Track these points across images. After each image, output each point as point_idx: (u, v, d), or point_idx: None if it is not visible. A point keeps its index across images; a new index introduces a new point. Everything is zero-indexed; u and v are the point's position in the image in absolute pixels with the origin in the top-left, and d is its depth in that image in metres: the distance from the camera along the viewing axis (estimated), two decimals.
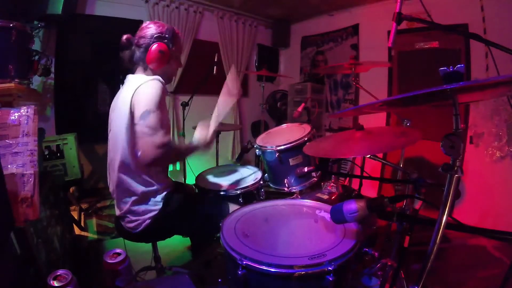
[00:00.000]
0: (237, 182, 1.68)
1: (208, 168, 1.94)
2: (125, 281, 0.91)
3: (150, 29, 1.30)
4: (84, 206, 2.81)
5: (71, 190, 2.70)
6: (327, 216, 1.05)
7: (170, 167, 3.62)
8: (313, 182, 1.66)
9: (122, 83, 1.37)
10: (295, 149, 1.58)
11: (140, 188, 1.26)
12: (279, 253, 0.88)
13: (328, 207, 1.12)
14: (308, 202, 1.26)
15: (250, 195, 1.60)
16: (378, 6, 3.36)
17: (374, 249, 1.13)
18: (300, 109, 2.12)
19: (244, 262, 0.84)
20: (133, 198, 1.27)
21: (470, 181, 2.70)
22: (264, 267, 0.82)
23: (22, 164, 1.20)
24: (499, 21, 2.45)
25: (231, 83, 1.44)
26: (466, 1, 2.64)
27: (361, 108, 1.16)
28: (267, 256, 0.85)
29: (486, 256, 2.17)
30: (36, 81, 2.59)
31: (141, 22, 3.55)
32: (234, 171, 1.87)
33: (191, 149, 1.30)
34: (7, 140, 1.23)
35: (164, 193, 1.33)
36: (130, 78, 1.33)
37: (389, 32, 1.22)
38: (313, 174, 1.62)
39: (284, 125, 1.99)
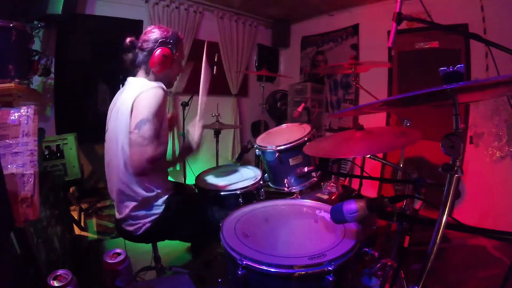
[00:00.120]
0: (237, 182, 1.68)
1: (208, 168, 1.94)
2: (125, 281, 0.91)
3: (154, 33, 1.30)
4: (84, 206, 2.81)
5: (71, 190, 2.70)
6: (327, 216, 1.05)
7: (170, 168, 3.62)
8: (313, 182, 1.66)
9: (122, 83, 1.37)
10: (295, 149, 1.58)
11: (140, 192, 1.26)
12: (279, 253, 0.88)
13: (328, 207, 1.12)
14: (308, 202, 1.26)
15: (250, 195, 1.60)
16: (378, 6, 3.36)
17: (374, 249, 1.13)
18: (300, 109, 2.12)
19: (244, 262, 0.84)
20: (134, 202, 1.26)
21: (470, 181, 2.70)
22: (264, 267, 0.82)
23: (22, 164, 1.20)
24: (499, 21, 2.45)
25: (203, 82, 1.42)
26: (466, 1, 2.64)
27: (361, 108, 1.16)
28: (267, 256, 0.85)
29: (486, 256, 2.17)
30: (36, 81, 2.59)
31: (141, 22, 3.56)
32: (234, 171, 1.87)
33: (179, 159, 1.31)
34: (7, 140, 1.23)
35: (165, 197, 1.33)
36: (131, 80, 1.33)
37: (389, 32, 1.22)
38: (313, 174, 1.62)
39: (284, 125, 1.99)
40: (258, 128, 4.12)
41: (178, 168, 3.68)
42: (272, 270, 0.81)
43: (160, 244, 1.49)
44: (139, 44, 1.31)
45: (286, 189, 1.66)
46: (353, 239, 0.92)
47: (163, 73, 1.33)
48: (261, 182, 1.68)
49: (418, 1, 1.45)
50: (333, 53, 4.01)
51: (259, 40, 4.48)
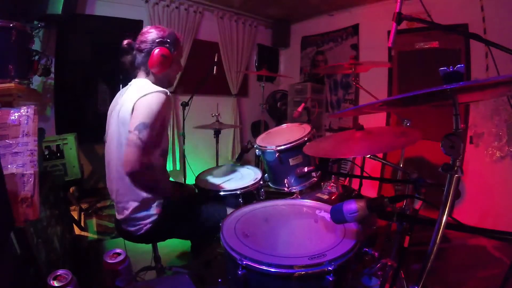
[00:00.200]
0: (237, 182, 1.68)
1: (208, 168, 1.94)
2: (125, 281, 0.91)
3: (151, 33, 1.29)
4: (84, 206, 2.81)
5: (71, 190, 2.70)
6: (327, 216, 1.05)
7: (170, 167, 3.62)
8: (313, 182, 1.66)
9: (122, 83, 1.37)
10: (295, 149, 1.58)
11: (141, 194, 1.25)
12: (279, 253, 0.88)
13: (328, 207, 1.12)
14: (308, 202, 1.26)
15: (250, 195, 1.60)
16: (378, 6, 3.36)
17: (374, 249, 1.13)
18: (300, 109, 2.12)
19: (244, 262, 0.84)
20: (134, 204, 1.26)
21: (470, 181, 2.70)
22: (264, 267, 0.82)
23: (22, 164, 1.20)
24: (499, 21, 2.45)
25: None
26: (466, 1, 2.64)
27: (361, 108, 1.16)
28: (267, 256, 0.85)
29: (486, 256, 2.17)
30: (36, 81, 2.59)
31: (141, 22, 3.56)
32: (234, 171, 1.87)
33: (164, 192, 1.30)
34: (7, 140, 1.23)
35: (165, 196, 1.33)
36: (134, 82, 1.33)
37: (389, 32, 1.22)
38: (313, 174, 1.62)
39: (284, 125, 1.99)
40: (258, 128, 4.12)
41: (178, 168, 3.68)
42: (272, 270, 0.81)
43: (160, 244, 1.49)
44: (137, 46, 1.31)
45: (286, 189, 1.66)
46: (353, 239, 0.92)
47: (162, 73, 1.33)
48: (261, 182, 1.68)
49: (418, 1, 1.45)
50: (333, 53, 4.01)
51: (259, 40, 4.48)
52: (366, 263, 1.30)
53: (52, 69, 2.63)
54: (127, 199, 1.26)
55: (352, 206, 0.86)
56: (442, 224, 0.74)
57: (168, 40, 1.30)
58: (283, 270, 0.81)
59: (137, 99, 1.18)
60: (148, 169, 1.15)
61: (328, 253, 0.85)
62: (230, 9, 3.98)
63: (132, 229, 1.30)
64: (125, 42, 1.32)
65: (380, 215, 0.91)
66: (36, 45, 2.48)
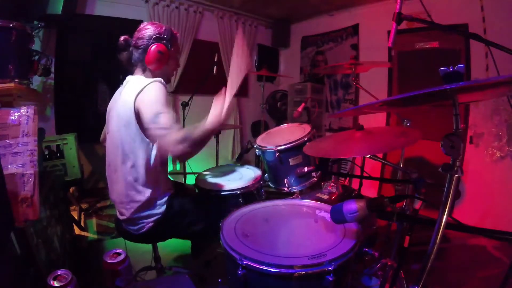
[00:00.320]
0: (237, 182, 1.68)
1: (208, 168, 1.94)
2: (125, 281, 0.91)
3: (148, 30, 1.29)
4: (84, 206, 2.81)
5: (71, 190, 2.70)
6: (327, 216, 1.05)
7: (170, 167, 3.62)
8: (313, 182, 1.66)
9: (122, 83, 1.37)
10: (295, 149, 1.57)
11: (143, 193, 1.25)
12: (279, 253, 0.88)
13: (328, 207, 1.12)
14: (308, 202, 1.26)
15: (250, 195, 1.60)
16: (378, 6, 3.36)
17: (374, 249, 1.13)
18: (300, 109, 2.12)
19: (244, 262, 0.84)
20: (136, 204, 1.26)
21: (470, 181, 2.70)
22: (264, 267, 0.82)
23: (22, 164, 1.20)
24: (499, 21, 2.45)
25: (238, 52, 1.33)
26: (466, 1, 2.64)
27: (361, 108, 1.15)
28: (267, 256, 0.85)
29: (486, 256, 2.17)
30: (36, 81, 2.59)
31: (141, 22, 3.56)
32: (234, 171, 1.87)
33: (209, 131, 1.19)
34: (7, 140, 1.23)
35: (166, 196, 1.32)
36: (129, 79, 1.33)
37: (389, 32, 1.22)
38: (313, 174, 1.62)
39: (284, 125, 1.99)
40: (258, 128, 4.12)
41: (178, 168, 3.68)
42: (272, 270, 0.81)
43: (160, 244, 1.49)
44: (134, 42, 1.30)
45: (286, 189, 1.66)
46: (353, 239, 0.92)
47: (160, 69, 1.32)
48: (261, 182, 1.68)
49: (418, 1, 1.45)
50: (333, 53, 4.01)
51: (259, 40, 4.48)
52: (366, 263, 1.30)
53: (52, 69, 2.63)
54: (130, 199, 1.26)
55: (352, 206, 0.86)
56: (442, 224, 0.74)
57: (165, 36, 1.30)
58: (283, 270, 0.81)
59: (134, 98, 1.17)
60: (186, 141, 1.11)
61: (328, 253, 0.85)
62: (230, 9, 3.98)
63: (134, 228, 1.30)
64: (122, 38, 1.32)
65: (380, 215, 0.91)
66: (36, 45, 2.48)
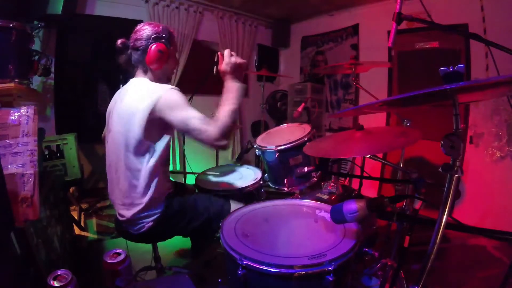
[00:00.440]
0: (237, 182, 1.68)
1: (208, 168, 1.94)
2: (125, 281, 0.91)
3: (145, 30, 1.28)
4: (84, 206, 2.81)
5: (71, 190, 2.70)
6: (327, 216, 1.05)
7: (171, 167, 3.62)
8: (313, 182, 1.66)
9: (122, 83, 1.36)
10: (295, 149, 1.58)
11: (143, 194, 1.25)
12: (279, 253, 0.88)
13: (328, 207, 1.12)
14: (308, 202, 1.25)
15: (250, 195, 1.60)
16: (378, 6, 3.36)
17: (374, 249, 1.13)
18: (300, 109, 2.12)
19: (244, 262, 0.84)
20: (136, 204, 1.25)
21: (470, 181, 2.70)
22: (264, 267, 0.82)
23: (22, 164, 1.20)
24: (499, 21, 2.45)
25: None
26: (466, 1, 2.64)
27: (361, 108, 1.16)
28: (267, 256, 0.85)
29: (486, 256, 2.17)
30: (36, 81, 2.59)
31: (141, 22, 3.56)
32: (234, 171, 1.87)
33: (236, 108, 1.23)
34: (7, 140, 1.23)
35: (166, 195, 1.33)
36: (134, 82, 1.32)
37: (389, 32, 1.22)
38: (313, 174, 1.62)
39: (284, 125, 1.99)
40: (258, 128, 4.11)
41: (178, 168, 3.68)
42: (272, 270, 0.81)
43: (160, 244, 1.49)
44: (132, 44, 1.30)
45: (286, 189, 1.66)
46: (353, 239, 0.92)
47: (160, 69, 1.32)
48: (261, 182, 1.68)
49: (418, 1, 1.45)
50: (333, 53, 4.01)
51: (259, 40, 4.48)
52: (366, 263, 1.30)
53: (52, 69, 2.63)
54: (131, 200, 1.26)
55: (352, 206, 0.86)
56: (442, 224, 0.74)
57: (164, 35, 1.30)
58: (283, 270, 0.81)
59: (151, 107, 1.16)
60: (226, 133, 1.17)
61: (328, 253, 0.85)
62: (230, 9, 3.98)
63: (134, 228, 1.29)
64: (119, 41, 1.32)
65: (380, 215, 0.91)
66: (36, 45, 2.48)
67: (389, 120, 3.37)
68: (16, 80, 1.69)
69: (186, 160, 3.15)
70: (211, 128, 1.16)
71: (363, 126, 1.19)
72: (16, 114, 1.29)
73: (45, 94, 2.82)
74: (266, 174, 1.75)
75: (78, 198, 2.83)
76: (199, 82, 2.78)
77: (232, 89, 1.24)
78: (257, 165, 2.65)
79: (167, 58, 1.31)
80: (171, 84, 1.31)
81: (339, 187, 1.74)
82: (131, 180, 1.24)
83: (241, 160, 2.06)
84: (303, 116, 2.16)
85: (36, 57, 2.23)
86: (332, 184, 1.71)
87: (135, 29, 1.31)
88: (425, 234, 0.89)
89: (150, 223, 1.28)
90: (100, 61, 3.12)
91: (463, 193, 2.70)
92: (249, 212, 1.19)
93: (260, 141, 1.77)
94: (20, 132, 1.26)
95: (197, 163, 3.39)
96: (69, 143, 2.46)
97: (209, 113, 1.40)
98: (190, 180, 2.71)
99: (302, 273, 0.81)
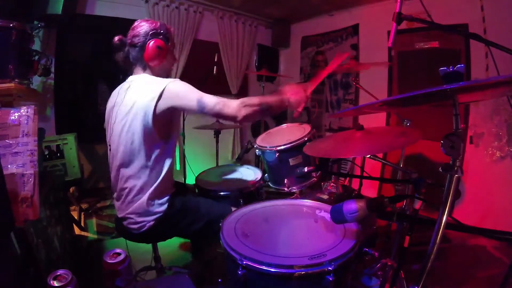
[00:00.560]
0: (237, 182, 1.68)
1: (208, 168, 1.94)
2: (125, 281, 0.91)
3: (143, 26, 1.28)
4: (84, 206, 2.81)
5: (71, 190, 2.70)
6: (327, 216, 1.05)
7: None
8: (313, 182, 1.66)
9: (123, 82, 1.36)
10: (295, 149, 1.58)
11: (147, 189, 1.25)
12: (279, 253, 0.88)
13: (328, 207, 1.12)
14: (308, 202, 1.26)
15: (250, 195, 1.60)
16: (378, 6, 3.36)
17: (374, 249, 1.14)
18: (300, 109, 2.12)
19: (244, 262, 0.84)
20: (140, 199, 1.25)
21: (470, 181, 2.69)
22: (264, 267, 0.82)
23: (22, 164, 1.20)
24: (499, 21, 2.45)
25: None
26: (466, 1, 2.64)
27: (361, 108, 1.16)
28: (267, 256, 0.85)
29: (486, 256, 2.17)
30: (36, 81, 2.59)
31: None
32: (234, 171, 1.87)
33: (275, 100, 1.26)
34: (7, 140, 1.23)
35: (169, 194, 1.32)
36: (134, 79, 1.31)
37: (389, 32, 1.22)
38: (313, 174, 1.62)
39: (284, 125, 1.99)
40: (258, 128, 4.11)
41: (178, 168, 3.68)
42: (272, 270, 0.81)
43: (160, 244, 1.49)
44: (129, 41, 1.29)
45: (286, 189, 1.66)
46: (353, 239, 0.92)
47: (159, 65, 1.32)
48: (261, 182, 1.68)
49: (418, 1, 1.44)
50: (333, 53, 4.01)
51: (259, 40, 4.48)
52: (366, 263, 1.31)
53: (52, 69, 2.62)
54: (132, 194, 1.25)
55: (352, 206, 0.86)
56: (442, 224, 0.74)
57: (162, 31, 1.30)
58: (283, 270, 0.81)
59: (156, 100, 1.17)
60: (247, 106, 1.18)
61: (328, 253, 0.85)
62: (230, 9, 3.98)
63: (135, 226, 1.29)
64: (116, 38, 1.31)
65: (380, 215, 0.92)
66: (36, 45, 2.48)
67: (389, 120, 3.37)
68: (16, 80, 1.69)
69: (186, 160, 3.16)
70: (226, 100, 1.18)
71: (363, 126, 1.19)
72: (16, 114, 1.29)
73: (45, 94, 2.82)
74: (266, 174, 1.75)
75: (78, 198, 2.83)
76: (199, 82, 2.78)
77: (282, 96, 1.29)
78: (257, 165, 2.65)
79: (165, 54, 1.32)
80: (169, 77, 1.31)
81: (339, 187, 1.74)
82: (135, 177, 1.24)
83: (241, 160, 2.06)
84: (303, 116, 2.16)
85: (36, 57, 2.22)
86: (332, 184, 1.71)
87: (133, 26, 1.31)
88: (425, 234, 0.89)
89: (152, 222, 1.28)
90: (100, 61, 3.11)
91: (463, 193, 2.70)
92: (249, 212, 1.19)
93: (260, 141, 1.77)
94: (20, 132, 1.26)
95: (197, 163, 3.39)
96: (69, 143, 2.46)
97: None
98: (190, 180, 2.72)
99: (302, 273, 0.81)
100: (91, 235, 2.42)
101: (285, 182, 1.65)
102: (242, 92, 4.29)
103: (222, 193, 1.56)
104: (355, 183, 3.07)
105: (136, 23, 1.31)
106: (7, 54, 1.69)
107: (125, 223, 1.32)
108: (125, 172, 1.26)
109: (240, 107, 1.17)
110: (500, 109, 2.51)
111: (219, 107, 1.18)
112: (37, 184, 1.20)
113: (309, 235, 1.01)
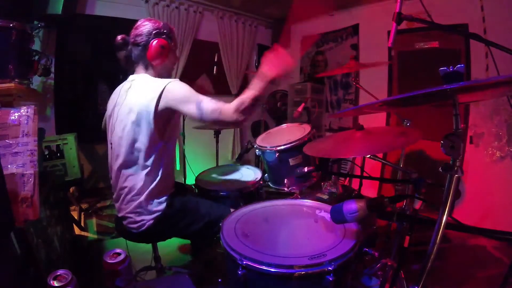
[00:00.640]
0: (237, 182, 1.68)
1: (208, 168, 1.94)
2: (125, 281, 0.91)
3: (146, 26, 1.28)
4: (84, 206, 2.81)
5: (71, 190, 2.70)
6: (327, 216, 1.05)
7: None
8: (313, 182, 1.66)
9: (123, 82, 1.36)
10: (295, 149, 1.57)
11: (146, 188, 1.25)
12: (279, 253, 0.88)
13: (328, 207, 1.12)
14: (308, 202, 1.26)
15: (250, 195, 1.60)
16: (378, 6, 3.36)
17: (374, 249, 1.13)
18: (300, 109, 2.12)
19: (244, 262, 0.84)
20: (139, 198, 1.26)
21: (470, 181, 2.69)
22: (264, 267, 0.82)
23: (22, 164, 1.20)
24: (499, 21, 2.45)
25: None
26: (466, 1, 2.64)
27: (361, 108, 1.16)
28: (267, 256, 0.85)
29: (486, 256, 2.17)
30: (36, 81, 2.59)
31: None
32: (234, 171, 1.87)
33: (256, 95, 1.22)
34: (7, 140, 1.23)
35: (168, 194, 1.33)
36: (135, 78, 1.32)
37: (389, 32, 1.22)
38: (313, 174, 1.62)
39: (284, 125, 1.99)
40: (258, 128, 4.12)
41: (178, 168, 3.68)
42: (272, 270, 0.81)
43: (160, 244, 1.49)
44: (132, 40, 1.30)
45: (286, 189, 1.66)
46: (353, 239, 0.92)
47: (162, 64, 1.33)
48: (261, 182, 1.68)
49: (418, 1, 1.44)
50: (333, 53, 4.01)
51: (259, 40, 4.48)
52: (366, 263, 1.30)
53: (52, 69, 2.62)
54: (132, 194, 1.26)
55: (352, 206, 0.86)
56: (442, 224, 0.75)
57: (165, 31, 1.30)
58: (283, 270, 0.81)
59: (157, 100, 1.17)
60: (240, 110, 1.18)
61: (328, 253, 0.85)
62: (230, 9, 3.98)
63: (134, 225, 1.29)
64: (119, 37, 1.32)
65: (380, 215, 0.92)
66: (36, 45, 2.48)
67: (389, 120, 3.37)
68: (16, 80, 1.69)
69: (186, 160, 3.16)
70: (227, 105, 1.18)
71: (363, 126, 1.19)
72: (16, 114, 1.29)
73: (45, 94, 2.82)
74: (266, 174, 1.75)
75: (78, 198, 2.83)
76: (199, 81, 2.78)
77: (258, 89, 1.24)
78: (257, 165, 2.65)
79: (168, 54, 1.32)
80: (170, 77, 1.32)
81: (339, 187, 1.74)
82: (135, 176, 1.24)
83: (241, 160, 2.06)
84: (303, 116, 2.16)
85: (36, 57, 2.22)
86: (332, 184, 1.72)
87: (136, 25, 1.31)
88: (425, 234, 0.89)
89: (151, 221, 1.28)
90: (100, 61, 3.11)
91: (463, 193, 2.70)
92: (249, 212, 1.19)
93: (260, 141, 1.77)
94: (20, 132, 1.26)
95: (197, 163, 3.39)
96: (69, 143, 2.46)
97: None
98: (190, 180, 2.72)
99: (302, 273, 0.81)
100: (91, 235, 2.42)
101: (285, 182, 1.65)
102: (242, 92, 4.29)
103: (222, 193, 1.56)
104: (355, 183, 3.07)
105: (139, 22, 1.31)
106: (7, 54, 1.69)
107: (125, 222, 1.32)
108: (125, 171, 1.26)
109: (236, 114, 1.17)
110: (500, 109, 2.51)
111: (215, 115, 1.18)
112: (37, 184, 1.20)
113: (309, 235, 1.01)
